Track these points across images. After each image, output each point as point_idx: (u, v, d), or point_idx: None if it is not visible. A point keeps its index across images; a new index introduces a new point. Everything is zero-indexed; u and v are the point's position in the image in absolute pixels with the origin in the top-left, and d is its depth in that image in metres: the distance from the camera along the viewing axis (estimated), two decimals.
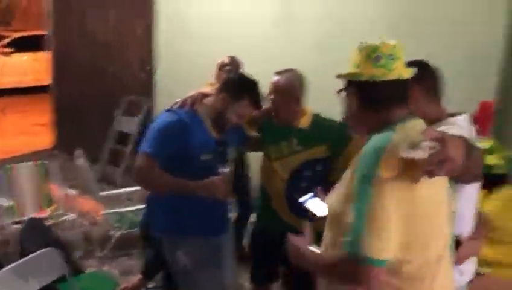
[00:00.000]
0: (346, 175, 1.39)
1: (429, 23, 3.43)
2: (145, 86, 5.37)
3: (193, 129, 2.18)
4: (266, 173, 2.51)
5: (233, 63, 3.43)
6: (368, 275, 1.27)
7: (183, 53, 4.86)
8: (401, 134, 1.29)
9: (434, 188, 1.31)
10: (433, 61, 1.78)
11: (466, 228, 1.70)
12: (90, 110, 6.03)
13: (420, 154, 1.14)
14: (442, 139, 1.15)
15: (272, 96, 2.37)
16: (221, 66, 3.42)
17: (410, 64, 1.48)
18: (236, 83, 2.28)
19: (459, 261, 1.62)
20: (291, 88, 2.38)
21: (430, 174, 1.16)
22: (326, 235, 1.48)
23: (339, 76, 1.47)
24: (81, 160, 3.92)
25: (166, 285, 2.78)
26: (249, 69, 2.87)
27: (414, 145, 1.17)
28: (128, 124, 5.51)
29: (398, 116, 1.38)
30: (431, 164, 1.13)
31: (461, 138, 1.27)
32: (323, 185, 2.33)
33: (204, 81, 3.35)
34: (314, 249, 1.51)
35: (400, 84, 1.39)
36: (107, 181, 5.17)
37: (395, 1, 3.62)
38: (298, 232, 2.34)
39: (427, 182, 1.22)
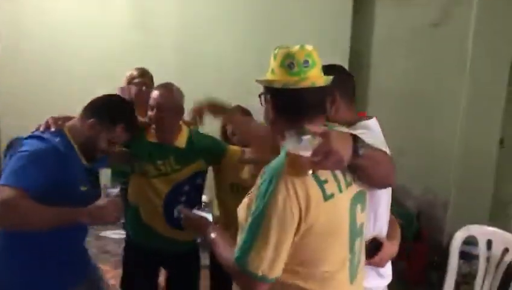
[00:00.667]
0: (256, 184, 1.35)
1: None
2: None
3: (69, 157, 1.86)
4: (139, 189, 2.39)
5: (144, 74, 2.93)
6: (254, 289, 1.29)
7: (28, 65, 4.35)
8: None
9: (333, 208, 1.31)
10: None
11: (383, 230, 1.72)
12: None
13: (304, 148, 1.18)
14: (325, 134, 1.17)
15: (153, 113, 2.25)
16: (130, 79, 2.90)
17: (327, 68, 1.46)
18: (107, 108, 1.95)
19: (381, 262, 1.64)
20: (176, 105, 2.29)
21: (316, 166, 1.20)
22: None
23: (257, 81, 1.41)
24: None
25: None
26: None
27: (300, 141, 1.19)
28: None
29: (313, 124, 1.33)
30: (315, 157, 1.16)
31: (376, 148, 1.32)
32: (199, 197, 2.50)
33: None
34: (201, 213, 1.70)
35: (315, 92, 1.36)
36: None
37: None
38: (177, 243, 2.39)
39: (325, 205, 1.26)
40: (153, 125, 2.33)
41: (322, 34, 3.30)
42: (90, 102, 1.97)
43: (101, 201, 1.78)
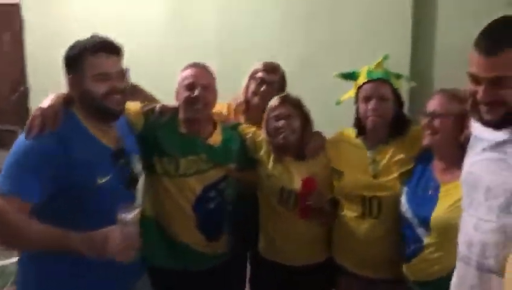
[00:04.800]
0: None
1: None
2: (19, 111, 4.58)
3: (75, 141, 1.60)
4: (163, 194, 2.07)
5: (273, 70, 2.58)
6: None
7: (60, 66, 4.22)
8: None
9: None
10: None
11: None
12: None
13: None
14: None
15: (195, 92, 2.02)
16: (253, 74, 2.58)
17: None
18: (66, 56, 1.71)
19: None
20: (214, 84, 2.09)
21: None
22: None
23: None
24: None
25: None
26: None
27: None
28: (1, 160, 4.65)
29: None
30: None
31: None
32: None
33: None
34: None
35: None
36: None
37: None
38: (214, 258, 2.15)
39: None
40: (184, 114, 2.07)
41: (381, 21, 2.94)
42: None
43: (105, 229, 1.44)
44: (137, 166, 1.88)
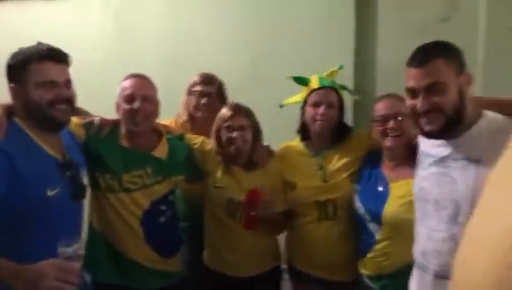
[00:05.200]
0: None
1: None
2: None
3: (21, 156, 1.51)
4: (109, 210, 1.99)
5: (209, 81, 2.57)
6: None
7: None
8: None
9: None
10: None
11: None
12: None
13: None
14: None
15: (135, 104, 1.95)
16: (190, 88, 2.56)
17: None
18: (8, 65, 1.64)
19: None
20: (154, 96, 2.03)
21: None
22: None
23: None
24: None
25: None
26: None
27: None
28: None
29: None
30: None
31: None
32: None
33: None
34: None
35: None
36: None
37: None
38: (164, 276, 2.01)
39: None
40: (126, 127, 2.00)
41: (325, 32, 3.04)
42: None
43: (43, 263, 1.32)
44: (85, 179, 1.81)
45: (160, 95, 2.18)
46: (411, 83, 1.46)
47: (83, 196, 1.76)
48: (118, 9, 3.52)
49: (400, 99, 1.88)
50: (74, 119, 1.94)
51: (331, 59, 2.62)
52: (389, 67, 2.82)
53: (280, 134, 2.31)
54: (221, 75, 2.55)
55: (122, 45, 3.51)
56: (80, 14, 3.62)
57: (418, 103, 1.44)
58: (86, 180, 1.80)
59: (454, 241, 1.44)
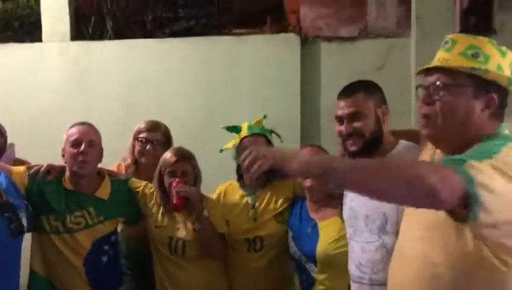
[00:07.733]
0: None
1: None
2: None
3: None
4: (51, 252, 2.06)
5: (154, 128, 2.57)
6: None
7: None
8: None
9: None
10: None
11: None
12: None
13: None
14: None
15: (81, 148, 2.04)
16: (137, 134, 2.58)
17: None
18: None
19: None
20: (99, 140, 2.12)
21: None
22: None
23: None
24: None
25: None
26: None
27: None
28: None
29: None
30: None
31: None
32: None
33: None
34: None
35: None
36: None
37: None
38: None
39: None
40: (70, 170, 2.09)
41: (273, 82, 3.34)
42: None
43: None
44: (24, 220, 1.89)
45: (116, 139, 2.31)
46: (339, 112, 1.75)
47: (22, 232, 1.86)
48: (76, 56, 3.63)
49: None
50: (18, 169, 2.07)
51: (280, 102, 2.84)
52: (332, 108, 3.14)
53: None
54: (176, 120, 2.68)
55: (80, 91, 3.59)
56: (38, 61, 3.68)
57: (343, 127, 1.72)
58: (24, 221, 1.89)
59: (385, 249, 1.67)
